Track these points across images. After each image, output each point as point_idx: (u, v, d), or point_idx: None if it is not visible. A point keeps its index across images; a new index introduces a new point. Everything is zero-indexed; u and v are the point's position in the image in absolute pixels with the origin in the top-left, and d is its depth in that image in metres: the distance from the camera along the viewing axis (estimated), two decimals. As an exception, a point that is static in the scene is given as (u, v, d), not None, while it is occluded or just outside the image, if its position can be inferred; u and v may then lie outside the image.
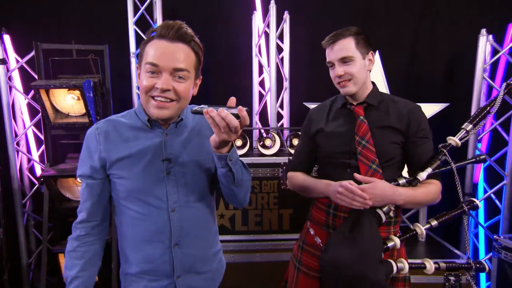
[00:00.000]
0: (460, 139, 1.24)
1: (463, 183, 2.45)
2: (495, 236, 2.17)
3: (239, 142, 2.13)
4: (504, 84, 1.30)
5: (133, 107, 2.43)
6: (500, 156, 2.47)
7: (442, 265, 1.18)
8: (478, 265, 1.19)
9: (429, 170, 1.20)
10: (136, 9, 2.36)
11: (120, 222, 1.07)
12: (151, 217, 1.01)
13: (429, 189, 1.22)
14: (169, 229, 1.02)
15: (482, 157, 1.28)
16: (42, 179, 2.13)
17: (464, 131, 1.25)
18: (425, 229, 1.20)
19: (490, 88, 2.49)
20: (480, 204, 1.25)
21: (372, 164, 1.21)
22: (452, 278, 1.89)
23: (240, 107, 0.83)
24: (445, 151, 1.21)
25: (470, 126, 1.25)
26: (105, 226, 1.09)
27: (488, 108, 1.25)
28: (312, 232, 1.35)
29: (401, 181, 1.20)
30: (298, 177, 1.38)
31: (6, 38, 2.31)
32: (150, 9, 2.41)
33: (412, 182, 1.19)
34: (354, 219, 1.15)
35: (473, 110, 2.38)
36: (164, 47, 0.91)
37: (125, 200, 1.02)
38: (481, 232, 2.55)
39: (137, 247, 1.03)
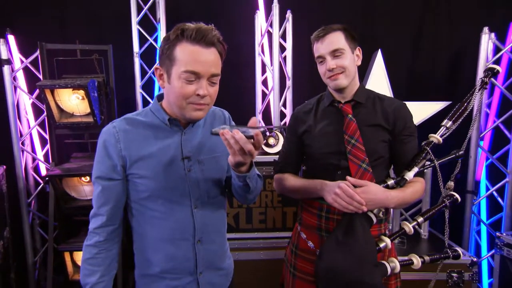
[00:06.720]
0: (441, 136, 1.25)
1: (466, 180, 2.46)
2: (497, 233, 2.19)
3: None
4: (479, 79, 1.32)
5: (137, 106, 2.49)
6: (502, 154, 2.48)
7: (426, 258, 1.23)
8: (454, 253, 1.27)
9: (416, 170, 1.20)
10: (139, 9, 2.37)
11: (138, 224, 1.05)
12: (174, 215, 1.01)
13: (416, 188, 1.22)
14: (192, 226, 1.03)
15: (461, 152, 1.29)
16: (47, 178, 2.15)
17: (444, 128, 1.26)
18: (412, 226, 1.22)
19: (492, 86, 2.49)
20: (460, 198, 1.28)
21: (362, 163, 1.19)
22: (455, 275, 1.92)
23: (257, 131, 0.83)
24: (428, 148, 1.22)
25: (450, 122, 1.26)
26: (121, 230, 1.08)
27: (465, 104, 1.27)
28: (303, 236, 1.32)
29: (390, 182, 1.19)
30: (288, 179, 1.34)
31: (11, 38, 2.32)
32: (153, 9, 2.42)
33: (400, 182, 1.19)
34: (346, 223, 1.14)
35: (475, 108, 2.39)
36: (201, 54, 0.91)
37: (145, 200, 1.01)
38: (484, 229, 2.56)
39: (158, 247, 1.03)
